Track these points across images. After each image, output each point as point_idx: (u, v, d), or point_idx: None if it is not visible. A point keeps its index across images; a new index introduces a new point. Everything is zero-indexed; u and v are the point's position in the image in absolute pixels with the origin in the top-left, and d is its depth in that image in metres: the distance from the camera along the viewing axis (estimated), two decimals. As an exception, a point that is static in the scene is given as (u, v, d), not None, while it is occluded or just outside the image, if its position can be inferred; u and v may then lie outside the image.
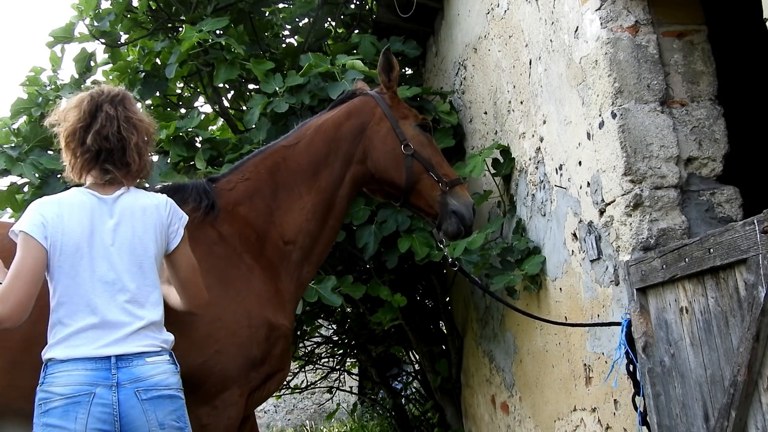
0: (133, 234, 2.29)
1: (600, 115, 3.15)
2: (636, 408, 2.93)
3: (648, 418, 2.88)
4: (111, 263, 2.24)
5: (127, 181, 2.36)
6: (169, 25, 5.85)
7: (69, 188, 2.38)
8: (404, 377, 8.34)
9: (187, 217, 2.44)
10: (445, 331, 6.16)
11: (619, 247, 3.07)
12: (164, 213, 2.36)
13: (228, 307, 2.76)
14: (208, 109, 6.33)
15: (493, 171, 4.45)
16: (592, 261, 3.38)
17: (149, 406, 2.15)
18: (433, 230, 3.35)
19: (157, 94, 5.54)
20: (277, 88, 4.63)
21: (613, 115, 3.04)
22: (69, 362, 2.15)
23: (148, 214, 2.33)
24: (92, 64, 5.54)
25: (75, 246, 2.22)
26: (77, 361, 2.15)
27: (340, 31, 6.46)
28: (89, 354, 2.15)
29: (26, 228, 2.20)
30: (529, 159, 4.09)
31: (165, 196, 2.46)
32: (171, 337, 2.32)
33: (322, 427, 11.33)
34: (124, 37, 5.79)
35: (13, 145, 4.82)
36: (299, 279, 3.11)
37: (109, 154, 2.31)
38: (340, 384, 8.42)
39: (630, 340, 2.94)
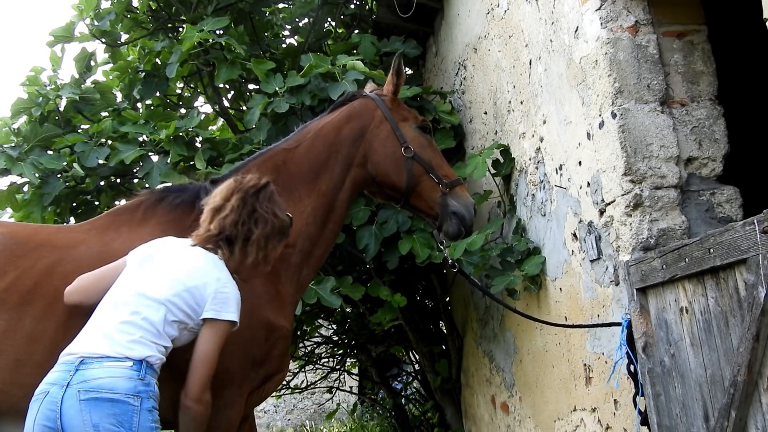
0: (184, 279, 2.45)
1: (600, 115, 3.15)
2: (636, 408, 2.93)
3: (648, 418, 2.88)
4: (152, 289, 2.44)
5: (242, 271, 2.59)
6: (170, 25, 5.86)
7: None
8: (404, 377, 8.34)
9: (230, 318, 2.47)
10: (445, 331, 6.16)
11: (619, 247, 3.07)
12: (216, 285, 2.46)
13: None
14: (208, 109, 6.34)
15: (493, 171, 4.45)
16: (592, 261, 3.38)
17: (85, 407, 2.20)
18: (434, 231, 3.35)
19: (157, 93, 5.54)
20: (277, 88, 4.63)
21: (613, 115, 3.04)
22: (56, 365, 2.35)
23: (199, 273, 2.47)
24: (92, 63, 5.54)
25: (137, 262, 2.54)
26: (58, 363, 2.34)
27: (340, 31, 6.46)
28: (69, 351, 2.34)
29: None
30: (529, 159, 4.09)
31: (230, 280, 2.52)
32: (151, 353, 2.35)
33: (322, 427, 11.33)
34: (124, 37, 5.79)
35: (13, 144, 4.82)
36: (299, 281, 3.11)
37: (230, 240, 2.53)
38: (340, 384, 8.42)
39: (630, 340, 2.94)
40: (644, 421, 2.90)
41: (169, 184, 3.22)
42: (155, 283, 2.46)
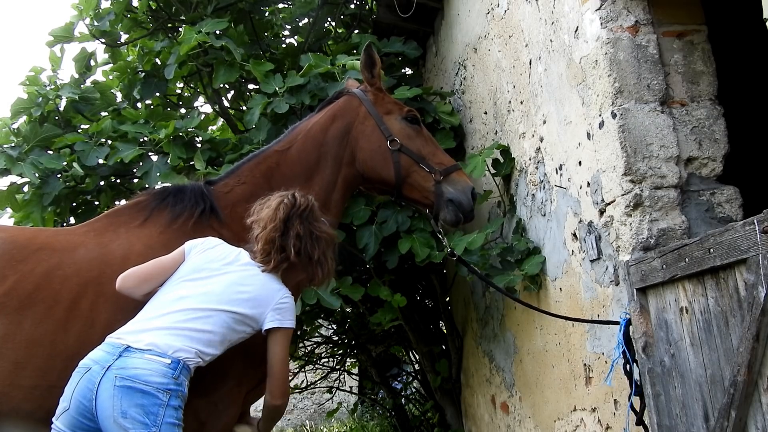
0: (245, 290, 2.60)
1: (600, 115, 3.15)
2: (632, 407, 2.93)
3: (648, 418, 2.88)
4: (211, 296, 2.57)
5: (302, 282, 2.87)
6: (169, 25, 5.86)
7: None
8: (404, 377, 8.34)
9: (293, 324, 2.67)
10: (445, 331, 6.16)
11: (619, 247, 3.07)
12: (276, 296, 2.63)
13: None
14: (208, 109, 6.33)
15: (493, 171, 4.45)
16: (592, 261, 3.38)
17: (118, 392, 2.31)
18: (431, 221, 3.34)
19: (157, 94, 5.54)
20: (277, 89, 4.63)
21: (613, 115, 3.04)
22: (104, 342, 2.48)
23: (264, 287, 2.64)
24: (92, 63, 5.54)
25: (197, 264, 2.67)
26: (106, 342, 2.47)
27: (340, 31, 6.46)
28: (115, 337, 2.46)
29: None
30: (529, 159, 4.09)
31: (288, 292, 2.68)
32: (191, 356, 2.46)
33: (322, 427, 11.34)
34: (124, 37, 5.79)
35: (13, 145, 4.82)
36: (297, 283, 3.11)
37: (293, 265, 2.71)
38: (340, 384, 8.42)
39: (628, 339, 2.94)
40: (639, 421, 2.90)
41: (168, 185, 3.21)
42: (222, 291, 2.58)
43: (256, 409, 2.99)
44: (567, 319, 3.48)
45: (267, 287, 2.64)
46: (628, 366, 2.93)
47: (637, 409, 2.91)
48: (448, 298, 5.94)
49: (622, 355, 2.94)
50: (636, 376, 2.92)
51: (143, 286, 2.63)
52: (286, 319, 2.63)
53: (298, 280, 2.81)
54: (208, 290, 2.57)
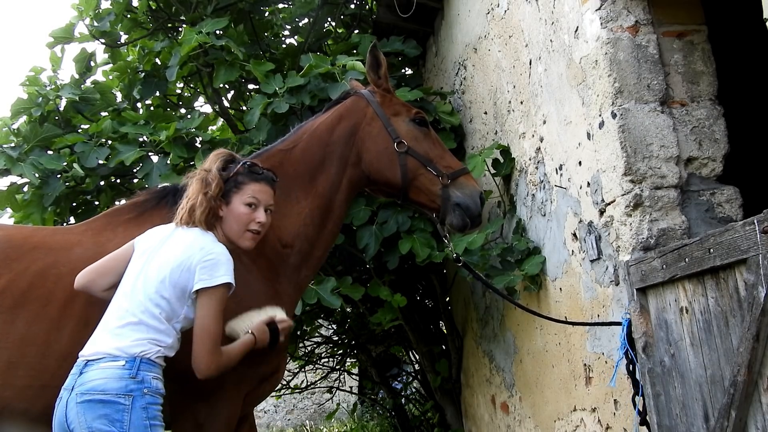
0: (167, 261, 2.49)
1: (600, 115, 3.15)
2: (635, 408, 2.93)
3: (648, 418, 2.88)
4: (143, 281, 2.50)
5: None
6: (169, 25, 5.85)
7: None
8: (404, 377, 8.34)
9: (225, 279, 2.48)
10: (445, 331, 6.16)
11: (619, 247, 3.07)
12: (200, 257, 2.48)
13: (227, 306, 2.76)
14: (208, 109, 6.33)
15: (493, 171, 4.45)
16: (592, 261, 3.38)
17: (80, 409, 2.29)
18: (438, 225, 3.30)
19: (157, 94, 5.54)
20: (277, 89, 4.62)
21: (613, 115, 3.04)
22: None
23: (186, 248, 2.51)
24: (92, 64, 5.54)
25: (136, 258, 2.59)
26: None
27: (340, 31, 6.46)
28: (80, 353, 2.43)
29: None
30: (529, 159, 4.09)
31: (216, 246, 2.56)
32: (145, 348, 2.39)
33: (322, 427, 11.33)
34: (124, 37, 5.79)
35: (13, 145, 4.81)
36: (298, 282, 3.10)
37: (211, 213, 2.64)
38: (340, 384, 8.42)
39: (631, 339, 2.94)
40: (643, 421, 2.90)
41: (167, 184, 3.21)
42: (151, 273, 2.49)
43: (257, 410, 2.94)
44: (571, 323, 3.48)
45: (193, 247, 2.51)
46: (631, 366, 2.93)
47: (641, 408, 2.92)
48: (448, 298, 5.94)
49: (624, 356, 2.94)
50: (638, 376, 2.92)
51: (99, 281, 2.59)
52: (214, 276, 2.45)
53: (228, 232, 2.66)
54: (147, 274, 2.49)
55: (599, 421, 3.40)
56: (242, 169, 2.70)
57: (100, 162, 4.74)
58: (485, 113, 4.76)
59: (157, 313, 2.43)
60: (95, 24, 5.44)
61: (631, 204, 2.98)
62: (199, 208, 2.57)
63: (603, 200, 3.18)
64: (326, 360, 7.98)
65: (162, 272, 2.47)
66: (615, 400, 3.25)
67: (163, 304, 2.44)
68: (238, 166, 2.71)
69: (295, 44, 6.19)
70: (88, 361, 2.36)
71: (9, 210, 4.96)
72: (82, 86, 5.36)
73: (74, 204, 5.07)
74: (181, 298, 2.47)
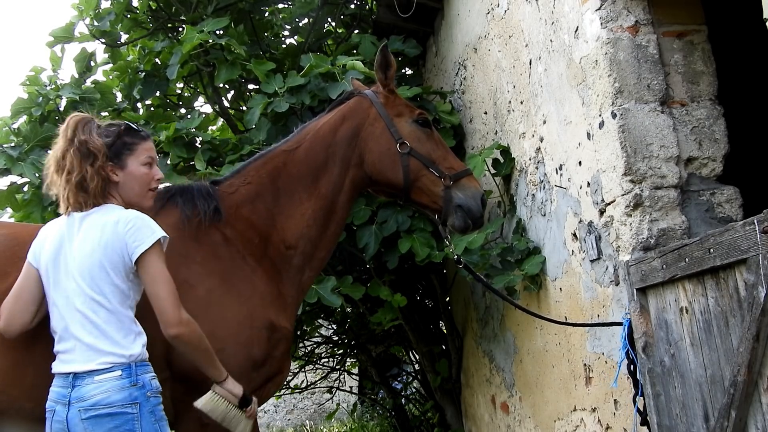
0: (91, 249, 2.40)
1: (600, 115, 3.15)
2: (635, 407, 2.93)
3: (648, 418, 2.88)
4: (74, 281, 2.39)
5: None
6: (169, 25, 5.86)
7: None
8: (404, 377, 8.34)
9: (157, 234, 2.41)
10: (445, 331, 6.16)
11: (619, 247, 3.07)
12: (122, 229, 2.39)
13: (231, 307, 2.76)
14: (208, 109, 6.33)
15: (493, 171, 4.45)
16: (592, 261, 3.38)
17: (89, 425, 2.27)
18: (440, 226, 3.30)
19: (157, 94, 5.54)
20: (277, 89, 4.62)
21: (613, 115, 3.05)
22: (55, 377, 2.39)
23: (105, 230, 2.41)
24: (92, 64, 5.54)
25: (45, 268, 2.46)
26: (56, 376, 2.38)
27: (340, 31, 6.46)
28: (59, 370, 2.37)
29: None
30: (529, 159, 4.09)
31: (130, 212, 2.47)
32: (135, 350, 2.34)
33: (322, 427, 11.33)
34: (124, 37, 5.79)
35: (13, 144, 4.82)
36: (300, 283, 3.10)
37: (85, 188, 2.53)
38: (340, 384, 8.42)
39: (631, 340, 2.94)
40: (643, 421, 2.90)
41: (169, 185, 3.20)
42: (80, 271, 2.39)
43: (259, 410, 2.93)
44: (572, 325, 3.48)
45: (107, 225, 2.42)
46: (632, 366, 2.93)
47: (641, 408, 2.92)
48: (448, 298, 5.94)
49: (625, 356, 2.94)
50: (638, 376, 2.92)
51: (24, 316, 2.46)
52: (144, 238, 2.38)
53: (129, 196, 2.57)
54: (76, 275, 2.39)
55: (599, 421, 3.40)
56: (124, 130, 2.62)
57: (100, 162, 4.73)
58: (485, 113, 4.76)
59: (114, 304, 2.37)
60: (95, 24, 5.44)
61: (631, 204, 2.98)
62: (92, 182, 2.48)
63: (603, 200, 3.18)
64: (326, 360, 7.98)
65: (92, 264, 2.38)
66: (615, 400, 3.25)
67: (108, 291, 2.37)
68: (120, 128, 2.63)
69: (295, 44, 6.19)
70: (77, 374, 2.31)
71: (9, 209, 4.96)
72: (83, 86, 5.36)
73: (74, 204, 5.06)
74: (123, 278, 2.40)
